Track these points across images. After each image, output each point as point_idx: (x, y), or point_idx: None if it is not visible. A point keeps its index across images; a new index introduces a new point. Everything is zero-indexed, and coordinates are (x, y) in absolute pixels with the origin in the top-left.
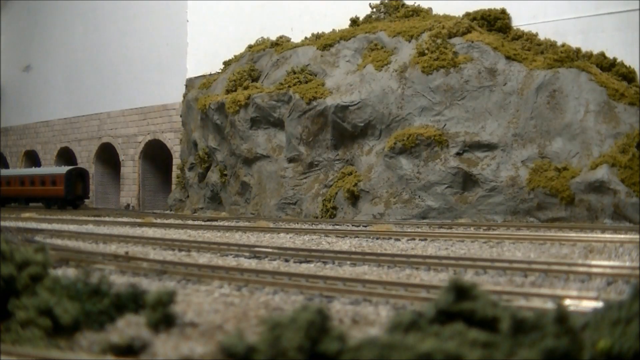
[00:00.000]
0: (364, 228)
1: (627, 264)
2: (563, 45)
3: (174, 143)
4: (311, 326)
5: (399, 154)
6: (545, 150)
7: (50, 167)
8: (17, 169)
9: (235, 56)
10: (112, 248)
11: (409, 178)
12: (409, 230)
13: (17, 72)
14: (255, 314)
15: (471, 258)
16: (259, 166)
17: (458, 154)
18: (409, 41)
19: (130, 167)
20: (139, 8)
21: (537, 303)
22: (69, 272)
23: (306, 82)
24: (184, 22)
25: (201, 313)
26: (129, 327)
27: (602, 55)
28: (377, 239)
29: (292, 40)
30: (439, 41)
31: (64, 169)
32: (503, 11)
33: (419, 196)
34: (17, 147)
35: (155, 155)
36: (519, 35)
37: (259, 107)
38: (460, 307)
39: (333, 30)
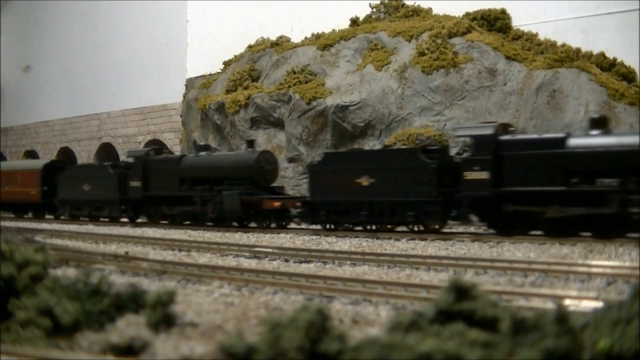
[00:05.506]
0: None
1: (627, 264)
2: (563, 45)
3: (174, 143)
4: (311, 326)
5: None
6: None
7: None
8: None
9: (235, 56)
10: (112, 248)
11: None
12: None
13: (17, 72)
14: (255, 314)
15: (471, 258)
16: None
17: (458, 154)
18: (409, 41)
19: None
20: (138, 8)
21: (537, 303)
22: (69, 272)
23: (306, 82)
24: (184, 22)
25: (201, 313)
26: (129, 327)
27: (602, 55)
28: (377, 239)
29: (292, 40)
30: (439, 41)
31: None
32: (503, 11)
33: None
34: (17, 147)
35: None
36: (519, 35)
37: (259, 107)
38: (460, 307)
39: (333, 30)
